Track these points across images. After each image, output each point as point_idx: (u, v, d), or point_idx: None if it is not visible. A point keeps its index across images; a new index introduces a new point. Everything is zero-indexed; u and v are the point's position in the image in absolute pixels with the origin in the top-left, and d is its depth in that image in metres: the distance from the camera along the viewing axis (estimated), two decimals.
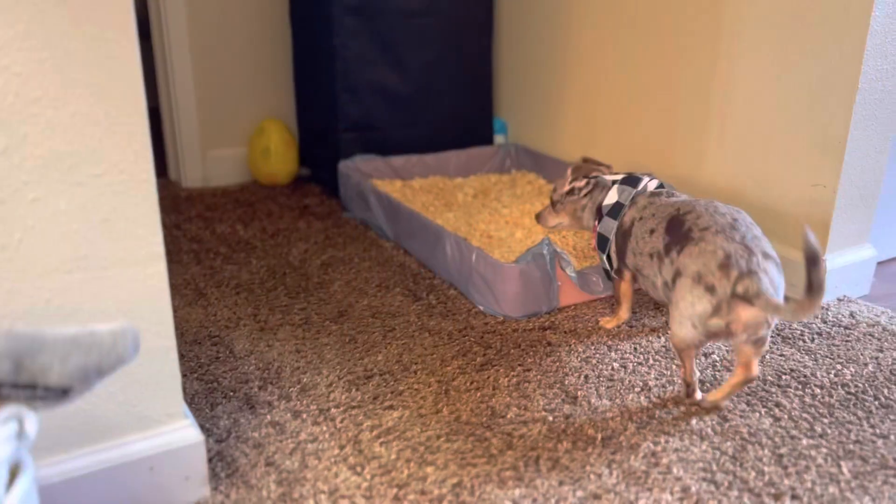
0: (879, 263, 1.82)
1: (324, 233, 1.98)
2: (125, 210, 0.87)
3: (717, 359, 1.35)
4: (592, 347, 1.39)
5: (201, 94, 2.36)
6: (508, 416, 1.18)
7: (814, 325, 1.48)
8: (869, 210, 1.60)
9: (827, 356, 1.36)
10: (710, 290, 1.11)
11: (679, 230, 1.21)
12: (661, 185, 1.41)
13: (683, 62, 1.80)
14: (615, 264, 1.41)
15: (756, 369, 1.18)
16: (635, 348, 1.39)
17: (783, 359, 1.35)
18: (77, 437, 0.92)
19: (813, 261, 0.99)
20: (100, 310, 0.88)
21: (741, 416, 1.17)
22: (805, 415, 1.18)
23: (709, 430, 1.14)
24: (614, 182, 1.44)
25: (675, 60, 1.83)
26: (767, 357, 1.35)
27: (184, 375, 1.28)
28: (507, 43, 2.41)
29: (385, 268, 1.75)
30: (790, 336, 1.43)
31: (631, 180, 1.41)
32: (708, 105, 1.76)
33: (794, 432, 1.14)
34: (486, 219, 1.92)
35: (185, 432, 0.98)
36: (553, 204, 1.55)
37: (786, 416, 1.18)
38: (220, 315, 1.51)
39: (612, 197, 1.41)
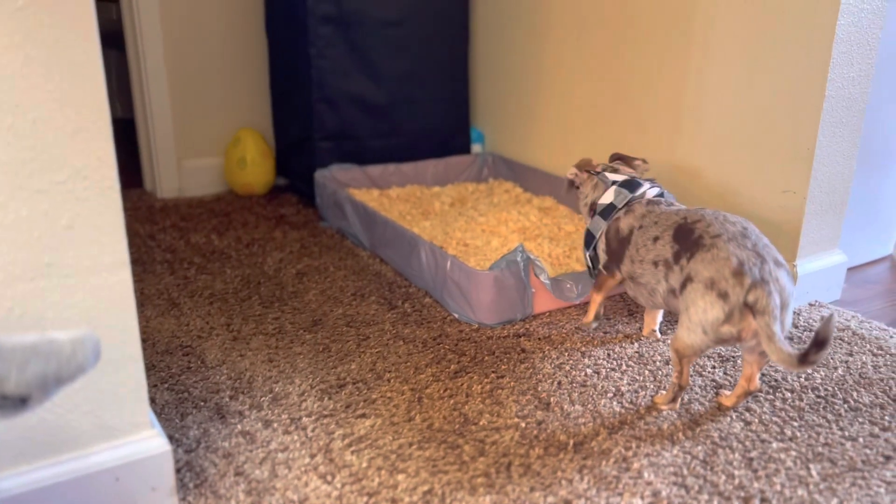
0: (850, 269, 1.84)
1: (299, 242, 1.97)
2: (89, 217, 0.86)
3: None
4: (566, 354, 1.39)
5: (176, 104, 2.35)
6: (481, 422, 1.17)
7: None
8: (838, 216, 1.62)
9: None
10: (723, 296, 1.10)
11: (689, 238, 1.20)
12: (660, 194, 1.40)
13: (655, 72, 1.82)
14: (603, 262, 1.42)
15: (757, 383, 1.21)
16: (608, 354, 1.39)
17: None
18: (40, 447, 0.90)
19: (822, 344, 1.01)
20: (63, 318, 0.87)
21: (712, 421, 1.18)
22: (775, 418, 1.19)
23: (680, 434, 1.14)
24: (614, 182, 1.43)
25: (646, 72, 1.85)
26: (738, 362, 1.36)
27: (154, 386, 1.27)
28: (484, 53, 2.43)
29: (361, 276, 1.75)
30: None
31: (631, 184, 1.41)
32: (679, 113, 1.77)
33: (764, 436, 1.14)
34: (463, 227, 1.92)
35: (151, 442, 0.97)
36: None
37: (756, 420, 1.18)
38: (193, 325, 1.50)
39: (607, 197, 1.41)
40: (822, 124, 1.49)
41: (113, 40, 2.65)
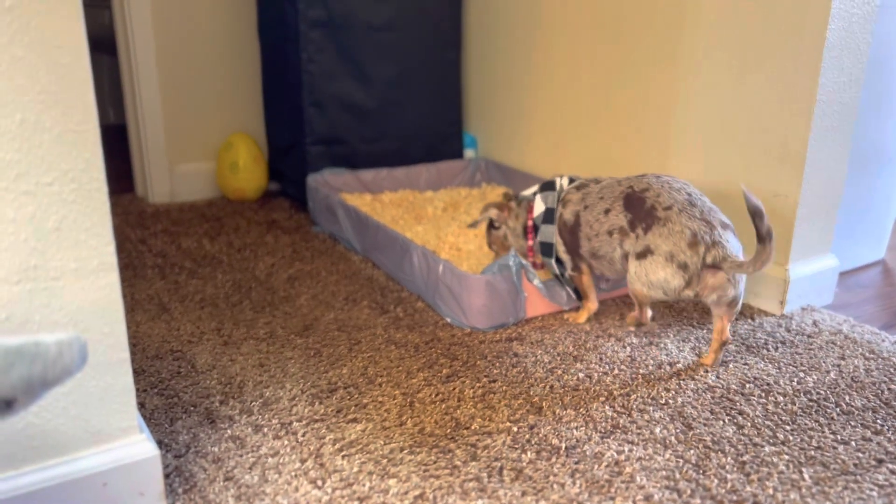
0: (842, 273, 1.84)
1: (291, 247, 1.97)
2: (76, 219, 0.85)
3: (682, 368, 1.35)
4: (558, 358, 1.39)
5: (168, 109, 2.34)
6: (473, 427, 1.17)
7: (777, 334, 1.49)
8: (830, 220, 1.63)
9: (790, 364, 1.37)
10: (683, 267, 1.26)
11: (641, 207, 1.33)
12: (572, 179, 1.52)
13: (646, 77, 1.82)
14: (569, 263, 1.50)
15: (727, 333, 1.34)
16: (600, 358, 1.39)
17: (747, 367, 1.36)
18: (27, 452, 0.89)
19: (758, 214, 1.18)
20: (50, 321, 0.87)
21: (705, 424, 1.18)
22: (768, 422, 1.19)
23: (672, 438, 1.14)
24: (534, 194, 1.54)
25: (637, 77, 1.85)
26: (731, 366, 1.36)
27: (144, 391, 1.26)
28: (476, 58, 2.43)
29: (352, 281, 1.74)
30: (754, 345, 1.44)
31: (547, 185, 1.52)
32: (670, 118, 1.78)
33: (756, 439, 1.14)
34: (456, 231, 1.91)
35: (140, 447, 0.96)
36: (490, 245, 1.71)
37: (749, 424, 1.18)
38: (183, 330, 1.49)
39: (539, 207, 1.52)
40: (813, 129, 1.50)
41: (105, 45, 2.64)
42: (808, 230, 1.59)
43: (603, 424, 1.18)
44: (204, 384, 1.29)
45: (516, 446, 1.12)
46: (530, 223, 1.56)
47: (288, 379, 1.31)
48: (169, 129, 2.35)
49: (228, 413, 1.20)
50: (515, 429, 1.16)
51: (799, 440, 1.14)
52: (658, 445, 1.12)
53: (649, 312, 1.38)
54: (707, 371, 1.34)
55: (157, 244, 1.98)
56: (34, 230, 0.84)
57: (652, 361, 1.38)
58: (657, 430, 1.16)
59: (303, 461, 1.08)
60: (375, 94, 2.23)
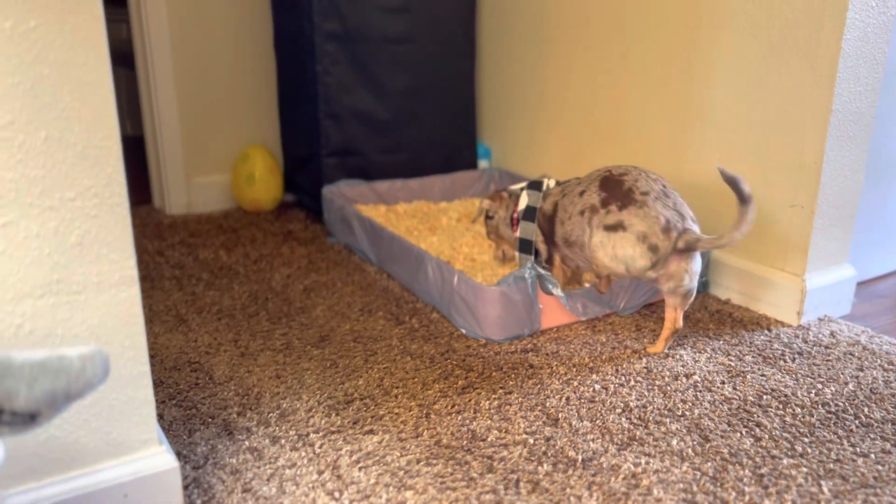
0: (860, 283, 1.83)
1: (307, 258, 1.98)
2: (98, 234, 0.87)
3: (699, 379, 1.35)
4: (574, 370, 1.39)
5: (186, 121, 2.37)
6: (489, 438, 1.17)
7: (794, 345, 1.48)
8: (847, 230, 1.62)
9: (808, 375, 1.36)
10: (654, 249, 1.33)
11: (618, 188, 1.38)
12: (558, 182, 1.60)
13: (660, 87, 1.83)
14: (544, 253, 1.59)
15: (681, 322, 1.42)
16: (616, 370, 1.38)
17: (764, 378, 1.35)
18: (49, 464, 0.90)
19: (736, 181, 1.25)
20: (72, 334, 0.88)
21: (722, 436, 1.17)
22: (786, 434, 1.18)
23: (689, 450, 1.14)
24: (521, 188, 1.63)
25: (652, 87, 1.85)
26: (748, 377, 1.35)
27: (162, 402, 1.27)
28: (490, 69, 2.44)
29: (368, 292, 1.75)
30: (771, 356, 1.44)
31: (534, 184, 1.61)
32: (685, 129, 1.78)
33: (774, 452, 1.13)
34: (470, 242, 1.92)
35: (159, 458, 0.97)
36: (488, 235, 1.78)
37: (766, 436, 1.17)
38: (201, 341, 1.50)
39: (522, 203, 1.60)
40: (829, 139, 1.49)
41: (123, 59, 2.67)
42: (824, 240, 1.58)
43: (619, 436, 1.17)
44: (221, 395, 1.30)
45: (533, 458, 1.12)
46: (515, 215, 1.65)
47: (304, 390, 1.31)
48: (186, 141, 2.38)
49: (246, 424, 1.21)
50: (532, 441, 1.16)
51: (817, 453, 1.13)
52: (675, 458, 1.12)
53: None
54: (724, 382, 1.33)
55: (174, 255, 2.00)
56: (57, 244, 0.85)
57: (668, 373, 1.37)
58: (674, 442, 1.16)
59: (320, 473, 1.08)
60: (390, 106, 2.24)
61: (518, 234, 1.59)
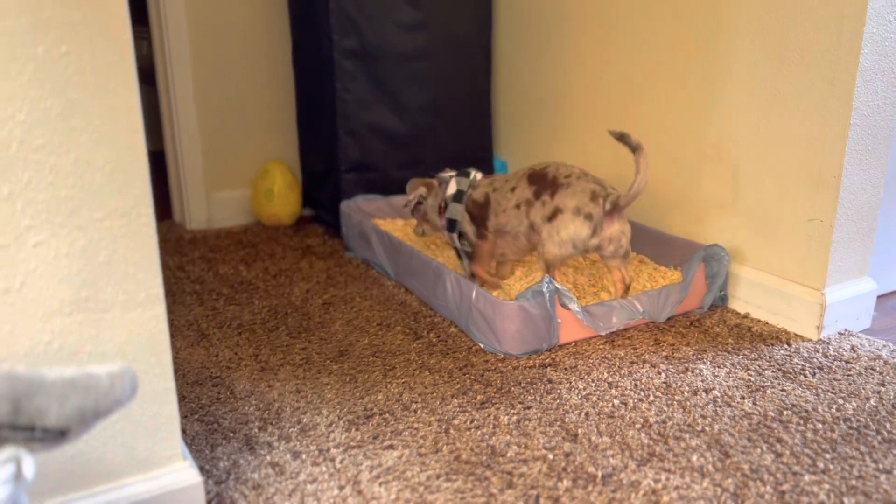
0: (880, 297, 1.82)
1: (326, 272, 1.99)
2: (125, 253, 0.89)
3: (718, 394, 1.35)
4: (593, 384, 1.39)
5: (205, 137, 2.40)
6: (508, 454, 1.17)
7: (815, 360, 1.47)
8: (867, 243, 1.61)
9: (828, 391, 1.36)
10: (589, 217, 1.52)
11: (544, 180, 1.59)
12: (485, 175, 1.78)
13: (678, 101, 1.83)
14: (473, 233, 1.74)
15: (628, 277, 1.63)
16: (636, 385, 1.38)
17: (784, 394, 1.35)
18: (76, 479, 0.92)
19: (622, 136, 1.50)
20: (99, 352, 0.90)
21: (742, 453, 1.17)
22: (807, 450, 1.17)
23: (710, 466, 1.13)
24: (451, 176, 1.79)
25: (669, 100, 1.86)
26: (768, 392, 1.35)
27: (184, 416, 1.29)
28: (506, 84, 2.45)
29: (386, 306, 1.76)
30: (791, 371, 1.43)
31: (463, 173, 1.79)
32: (702, 142, 1.78)
33: (796, 468, 1.13)
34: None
35: (183, 474, 0.98)
36: (413, 214, 1.93)
37: (787, 452, 1.17)
38: (222, 356, 1.52)
39: (452, 188, 1.77)
40: (847, 152, 1.49)
41: (144, 75, 2.72)
42: (844, 254, 1.58)
43: (639, 452, 1.17)
44: (243, 410, 1.31)
45: (552, 474, 1.12)
46: (443, 202, 1.80)
47: (324, 405, 1.32)
48: (206, 156, 2.41)
49: (267, 439, 1.22)
50: (551, 456, 1.17)
51: (839, 469, 1.13)
52: (695, 474, 1.12)
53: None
54: (743, 398, 1.33)
55: (194, 270, 2.02)
56: (86, 263, 0.87)
57: (687, 388, 1.37)
58: (694, 458, 1.16)
59: (341, 488, 1.09)
60: (408, 122, 2.26)
61: (447, 214, 1.76)
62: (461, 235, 1.77)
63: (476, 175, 1.78)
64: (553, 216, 1.55)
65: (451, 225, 1.76)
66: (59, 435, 0.73)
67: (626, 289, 1.63)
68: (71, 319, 0.88)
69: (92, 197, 0.85)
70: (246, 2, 2.36)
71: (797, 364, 1.46)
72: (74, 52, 0.81)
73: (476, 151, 2.43)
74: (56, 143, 0.82)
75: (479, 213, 1.70)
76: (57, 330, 0.87)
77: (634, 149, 1.50)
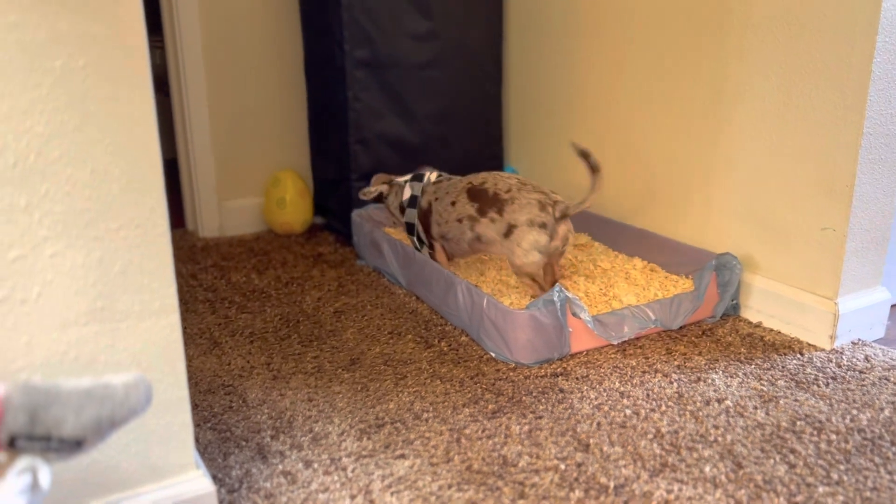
0: (894, 306, 1.81)
1: (337, 281, 2.00)
2: (141, 263, 0.89)
3: (731, 404, 1.34)
4: (604, 394, 1.39)
5: (218, 146, 2.41)
6: (520, 464, 1.17)
7: (828, 370, 1.47)
8: (880, 253, 1.60)
9: (842, 401, 1.35)
10: (543, 226, 1.60)
11: (485, 196, 1.67)
12: (440, 176, 1.87)
13: (690, 110, 1.83)
14: (426, 241, 1.85)
15: (560, 274, 1.76)
16: (647, 394, 1.38)
17: (797, 404, 1.34)
18: (91, 487, 0.93)
19: (586, 154, 1.59)
20: (115, 361, 0.90)
21: (755, 463, 1.16)
22: (821, 461, 1.17)
23: (722, 477, 1.13)
24: (406, 181, 1.90)
25: (681, 109, 1.86)
26: (781, 402, 1.34)
27: (197, 425, 1.29)
28: (517, 92, 2.46)
29: (397, 315, 1.76)
30: (804, 381, 1.42)
31: (416, 177, 1.88)
32: (714, 153, 1.78)
33: (809, 479, 1.12)
34: (499, 265, 1.93)
35: (197, 483, 0.98)
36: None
37: (801, 463, 1.16)
38: (234, 364, 1.53)
39: (406, 193, 1.88)
40: (860, 161, 1.48)
41: (157, 84, 2.74)
42: (857, 263, 1.57)
43: (651, 462, 1.17)
44: (255, 419, 1.32)
45: (564, 484, 1.12)
46: (402, 205, 1.90)
47: (336, 413, 1.33)
48: (218, 165, 2.43)
49: (279, 448, 1.22)
50: (563, 466, 1.16)
51: (854, 480, 1.12)
52: (708, 485, 1.11)
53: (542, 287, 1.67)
54: (756, 408, 1.32)
55: (207, 278, 2.03)
56: (101, 274, 0.88)
57: (699, 398, 1.37)
58: (707, 468, 1.15)
59: (352, 497, 1.09)
60: (419, 130, 2.27)
61: (405, 218, 1.88)
62: (420, 239, 1.88)
63: (430, 176, 1.87)
64: (509, 232, 1.63)
65: (410, 228, 1.88)
66: (75, 445, 0.74)
67: (555, 282, 1.72)
68: (87, 329, 0.88)
69: (108, 207, 0.86)
70: (259, 12, 2.37)
71: (810, 374, 1.45)
72: (91, 65, 0.82)
73: (486, 160, 2.43)
74: (73, 154, 0.83)
75: (424, 221, 1.83)
76: (73, 340, 0.88)
77: (593, 169, 1.59)
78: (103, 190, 0.86)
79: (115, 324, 0.89)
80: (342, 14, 2.07)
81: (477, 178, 1.73)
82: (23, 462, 0.71)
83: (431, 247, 1.85)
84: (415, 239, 1.88)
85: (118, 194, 0.86)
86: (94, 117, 0.83)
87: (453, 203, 1.73)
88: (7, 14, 0.77)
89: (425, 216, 1.81)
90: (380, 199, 2.02)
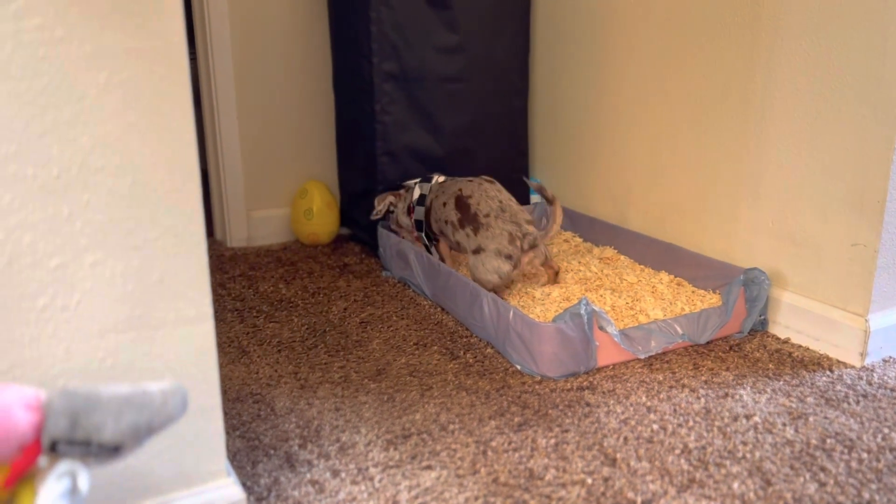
0: None
1: (363, 291, 2.02)
2: (178, 272, 0.91)
3: (759, 420, 1.33)
4: (631, 408, 1.38)
5: (247, 158, 2.45)
6: (546, 478, 1.17)
7: (858, 387, 1.45)
8: None
9: (873, 419, 1.33)
10: (509, 257, 1.75)
11: (468, 212, 1.82)
12: (446, 179, 1.99)
13: (717, 124, 1.83)
14: (432, 236, 2.00)
15: (556, 265, 1.91)
16: (675, 409, 1.37)
17: (827, 421, 1.32)
18: (125, 493, 0.94)
19: (541, 189, 1.87)
20: (149, 368, 0.92)
21: (785, 481, 1.15)
22: (851, 480, 1.15)
23: (751, 494, 1.12)
24: (415, 183, 2.03)
25: (708, 123, 1.85)
26: (811, 419, 1.33)
27: (226, 433, 1.31)
28: (543, 105, 2.47)
29: (423, 326, 1.77)
30: (834, 398, 1.41)
31: (425, 179, 2.02)
32: (742, 167, 1.77)
33: (840, 498, 1.11)
34: (524, 278, 1.93)
35: (228, 490, 1.00)
36: (391, 226, 2.15)
37: (831, 482, 1.15)
38: (262, 373, 1.54)
39: (416, 193, 2.01)
40: (891, 176, 1.47)
41: None
42: (888, 279, 1.55)
43: (679, 478, 1.16)
44: (283, 427, 1.33)
45: (591, 499, 1.12)
46: (411, 204, 2.03)
47: (363, 423, 1.34)
48: (247, 176, 2.46)
49: (307, 457, 1.23)
50: (590, 481, 1.16)
51: (885, 500, 1.10)
52: (736, 501, 1.10)
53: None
54: (785, 425, 1.31)
55: (235, 288, 2.06)
56: (139, 282, 0.90)
57: (727, 413, 1.36)
58: (735, 485, 1.14)
59: None
60: (445, 143, 2.28)
61: (414, 216, 2.00)
62: (428, 235, 2.01)
63: (438, 179, 2.00)
64: (477, 251, 1.78)
65: (419, 224, 2.00)
66: (114, 450, 0.75)
67: (556, 273, 1.90)
68: (124, 337, 0.90)
69: (147, 217, 0.88)
70: (289, 26, 2.41)
71: (840, 391, 1.44)
72: (134, 79, 0.84)
73: (512, 173, 2.44)
74: (114, 165, 0.85)
75: (427, 217, 1.97)
76: (111, 347, 0.90)
77: (550, 201, 1.84)
78: (143, 200, 0.88)
79: (152, 331, 0.91)
80: (371, 28, 2.09)
81: (467, 188, 1.86)
82: (63, 466, 0.72)
83: (436, 239, 2.00)
84: (423, 235, 2.00)
85: (157, 204, 0.88)
86: (136, 129, 0.85)
87: (444, 204, 1.89)
88: (55, 28, 0.80)
89: (428, 213, 1.96)
90: (386, 217, 2.15)
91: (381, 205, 2.09)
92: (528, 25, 2.36)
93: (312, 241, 2.45)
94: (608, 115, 2.19)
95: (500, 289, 1.78)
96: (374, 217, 2.11)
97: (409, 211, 2.04)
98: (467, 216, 1.81)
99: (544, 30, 2.41)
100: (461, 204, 1.84)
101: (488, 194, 1.82)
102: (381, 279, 2.11)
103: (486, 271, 1.75)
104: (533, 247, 1.77)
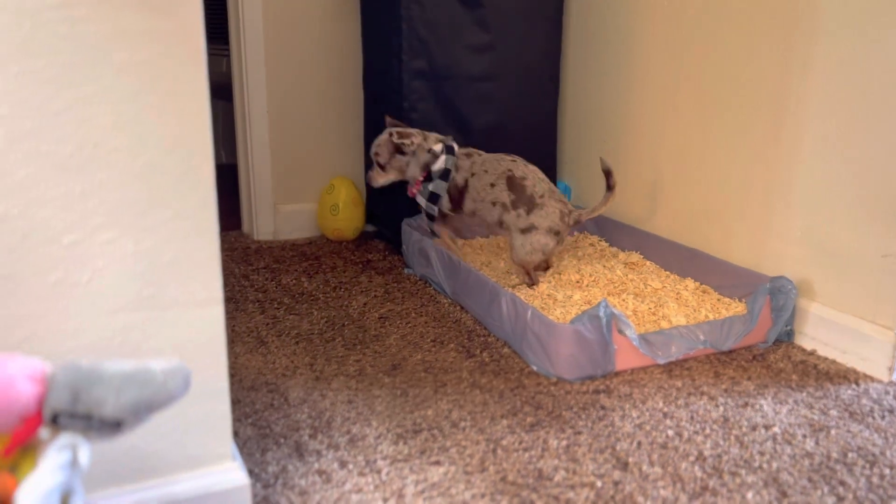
0: None
1: (384, 287, 2.01)
2: (190, 254, 0.92)
3: (779, 431, 1.30)
4: (647, 414, 1.36)
5: (276, 152, 2.47)
6: (556, 479, 1.15)
7: (885, 402, 1.41)
8: None
9: None
10: (557, 233, 1.84)
11: (522, 193, 1.84)
12: (470, 152, 1.96)
13: (748, 130, 1.79)
14: (446, 208, 1.96)
15: (553, 262, 2.00)
16: (692, 416, 1.35)
17: (850, 435, 1.28)
18: (129, 471, 0.95)
19: (609, 172, 1.85)
20: (158, 348, 0.93)
21: (801, 493, 1.12)
22: (872, 495, 1.12)
23: None
24: (442, 151, 1.93)
25: (739, 130, 1.82)
26: (832, 432, 1.29)
27: (238, 420, 1.31)
28: (572, 108, 2.45)
29: (441, 323, 1.76)
30: (858, 412, 1.37)
31: (450, 150, 1.94)
32: (772, 174, 1.73)
33: None
34: (547, 279, 1.91)
35: (232, 474, 1.00)
36: (382, 166, 2.00)
37: (850, 496, 1.11)
38: (279, 363, 1.55)
39: (440, 164, 1.93)
40: None
41: (221, 92, 2.82)
42: None
43: (691, 485, 1.14)
44: (295, 417, 1.33)
45: (600, 502, 1.10)
46: (428, 170, 1.94)
47: (374, 417, 1.33)
48: (276, 171, 2.48)
49: (316, 447, 1.23)
50: (600, 484, 1.14)
51: None
52: None
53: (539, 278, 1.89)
54: (805, 436, 1.28)
55: (258, 280, 2.07)
56: (151, 263, 0.90)
57: (746, 423, 1.32)
58: (749, 494, 1.11)
59: (385, 500, 1.09)
60: (473, 142, 2.27)
61: (432, 187, 1.93)
62: (439, 209, 1.98)
63: (457, 149, 1.95)
64: (528, 230, 1.82)
65: (434, 198, 1.95)
66: (115, 426, 0.76)
67: (547, 267, 1.97)
68: (134, 316, 0.91)
69: (160, 198, 0.89)
70: (320, 23, 2.43)
71: (865, 405, 1.39)
72: (152, 60, 0.85)
73: None
74: (129, 146, 0.86)
75: (458, 197, 1.93)
76: (120, 326, 0.90)
77: (610, 187, 1.85)
78: (156, 181, 0.88)
79: (161, 312, 0.92)
80: (402, 25, 2.10)
81: (518, 168, 1.87)
82: (64, 439, 0.73)
83: (443, 220, 1.99)
84: (435, 207, 1.97)
85: (171, 186, 0.89)
86: (152, 110, 0.86)
87: (492, 185, 1.87)
88: (76, 7, 0.81)
89: (461, 192, 1.92)
90: (397, 151, 1.97)
91: (407, 139, 1.93)
92: (559, 27, 2.35)
93: (337, 236, 2.46)
94: (637, 119, 2.16)
95: (539, 266, 1.85)
96: (401, 145, 1.93)
97: (425, 172, 1.95)
98: (522, 197, 1.84)
99: (576, 33, 2.39)
100: (514, 185, 1.85)
101: (538, 176, 1.88)
102: (403, 276, 2.11)
103: (532, 250, 1.82)
104: (577, 222, 1.87)
